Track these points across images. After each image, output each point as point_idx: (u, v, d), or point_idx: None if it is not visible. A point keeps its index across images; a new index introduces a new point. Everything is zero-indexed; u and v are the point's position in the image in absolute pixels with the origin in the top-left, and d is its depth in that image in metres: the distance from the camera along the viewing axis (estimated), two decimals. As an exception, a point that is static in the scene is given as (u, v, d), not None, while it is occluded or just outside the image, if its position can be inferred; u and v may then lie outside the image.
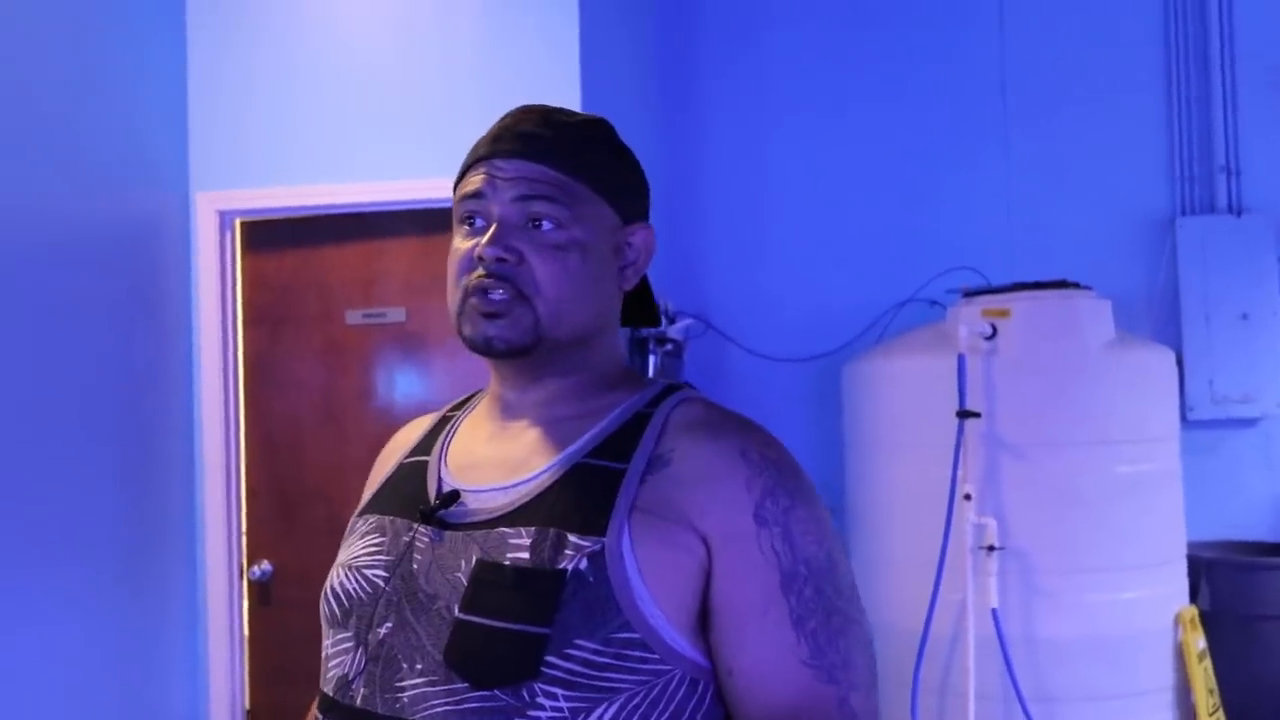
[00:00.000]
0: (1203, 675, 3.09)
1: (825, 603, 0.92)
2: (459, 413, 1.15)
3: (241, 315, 3.23)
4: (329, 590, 1.03)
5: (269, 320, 3.22)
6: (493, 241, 0.98)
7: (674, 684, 0.90)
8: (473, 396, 1.17)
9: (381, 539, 1.02)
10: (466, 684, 0.88)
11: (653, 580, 0.89)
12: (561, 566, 0.89)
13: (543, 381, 1.03)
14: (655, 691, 0.89)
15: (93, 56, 2.80)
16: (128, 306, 2.91)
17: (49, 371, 2.59)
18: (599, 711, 0.87)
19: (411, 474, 1.08)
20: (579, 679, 0.86)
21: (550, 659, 0.86)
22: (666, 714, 0.90)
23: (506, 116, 1.05)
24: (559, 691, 0.86)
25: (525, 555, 0.91)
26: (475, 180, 1.01)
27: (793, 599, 0.91)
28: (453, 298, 1.02)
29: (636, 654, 0.88)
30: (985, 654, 2.99)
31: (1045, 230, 4.10)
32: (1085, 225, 4.09)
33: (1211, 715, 3.10)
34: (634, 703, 0.88)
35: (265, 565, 3.18)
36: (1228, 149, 4.05)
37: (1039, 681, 2.99)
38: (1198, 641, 3.11)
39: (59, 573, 2.60)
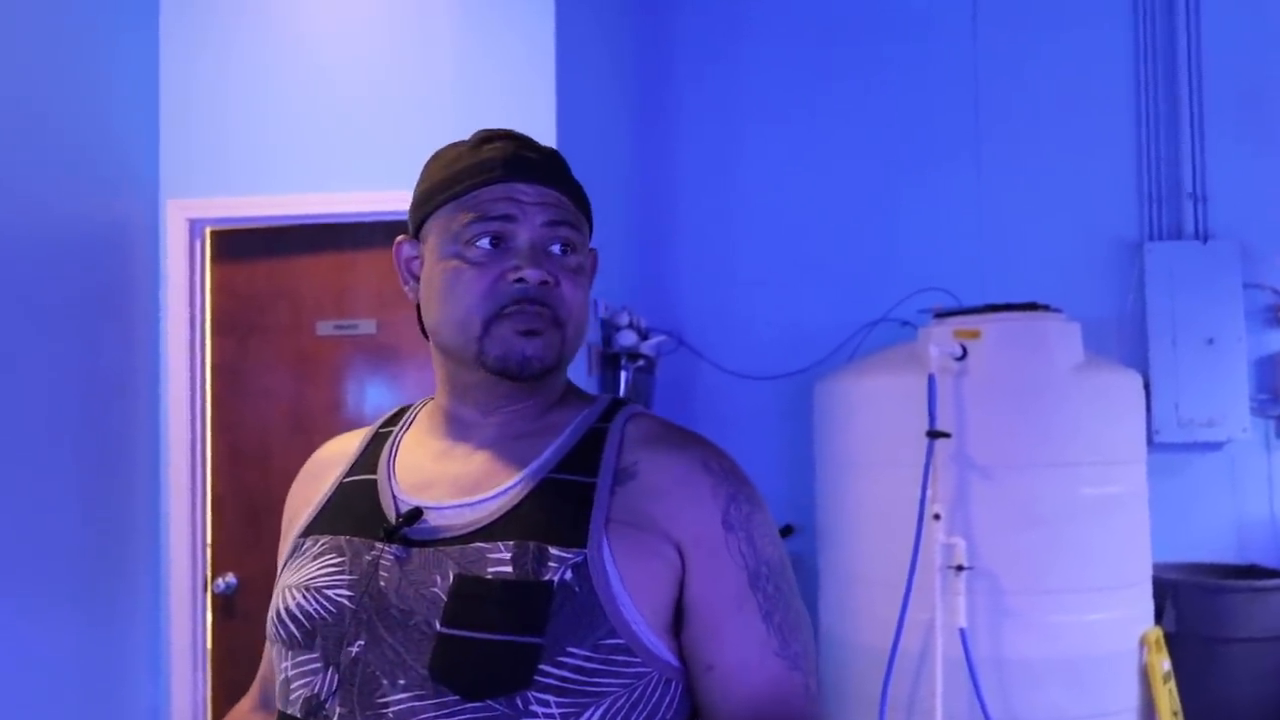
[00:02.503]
0: (1167, 697, 3.11)
1: (783, 598, 0.99)
2: (394, 429, 1.14)
3: (210, 324, 3.20)
4: (283, 612, 1.01)
5: (238, 329, 3.19)
6: (538, 264, 1.00)
7: (652, 684, 0.95)
8: (403, 412, 1.17)
9: (340, 559, 1.01)
10: (457, 696, 0.89)
11: (633, 587, 0.93)
12: (547, 578, 0.91)
13: (517, 402, 1.05)
14: (637, 693, 0.93)
15: (65, 63, 2.77)
16: (94, 312, 2.88)
17: (11, 375, 2.55)
18: (587, 715, 0.90)
19: (358, 493, 1.07)
20: (570, 685, 0.90)
21: (544, 667, 0.89)
22: (645, 713, 0.94)
23: (496, 140, 1.06)
24: (551, 698, 0.89)
25: (508, 569, 0.92)
26: (499, 203, 1.02)
27: (759, 596, 0.97)
28: (471, 320, 1.01)
29: (622, 658, 0.92)
30: (953, 673, 2.99)
31: (1016, 253, 4.14)
32: (1055, 248, 4.13)
33: (1175, 736, 3.12)
34: (619, 704, 0.92)
35: (230, 578, 3.14)
36: (1195, 176, 4.10)
37: (1006, 701, 3.00)
38: (1163, 663, 3.13)
39: (17, 581, 2.55)
